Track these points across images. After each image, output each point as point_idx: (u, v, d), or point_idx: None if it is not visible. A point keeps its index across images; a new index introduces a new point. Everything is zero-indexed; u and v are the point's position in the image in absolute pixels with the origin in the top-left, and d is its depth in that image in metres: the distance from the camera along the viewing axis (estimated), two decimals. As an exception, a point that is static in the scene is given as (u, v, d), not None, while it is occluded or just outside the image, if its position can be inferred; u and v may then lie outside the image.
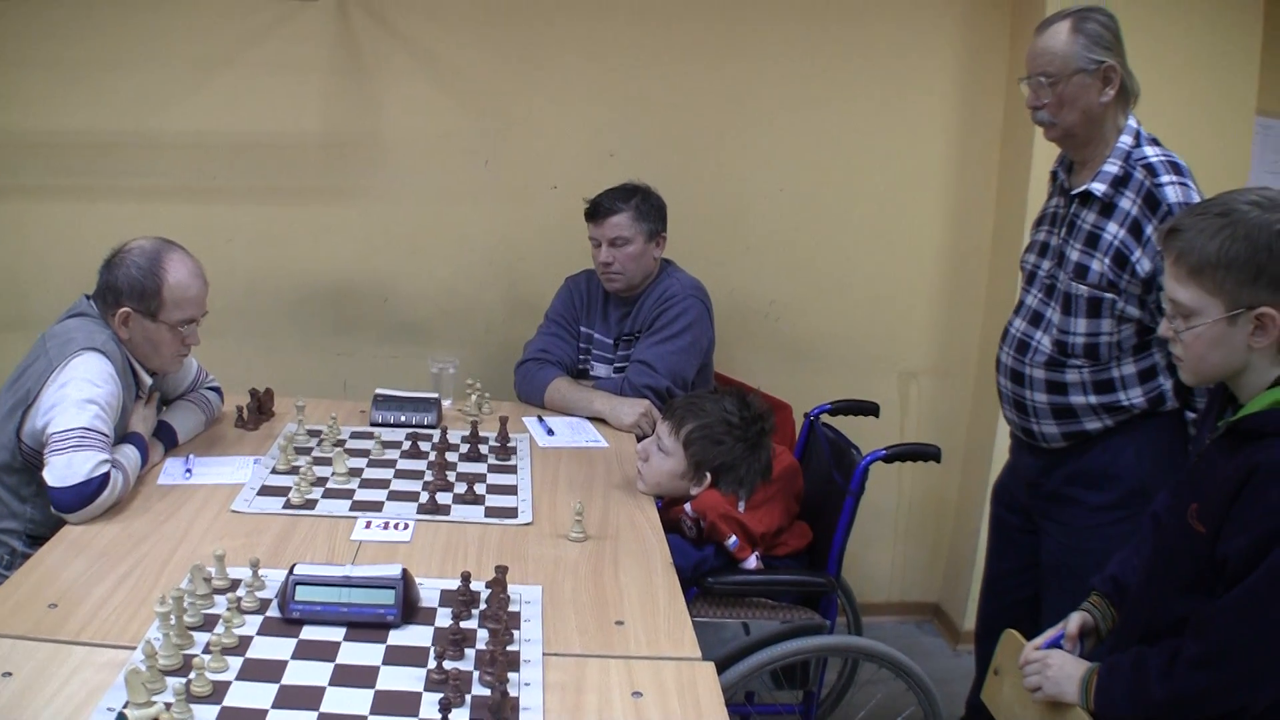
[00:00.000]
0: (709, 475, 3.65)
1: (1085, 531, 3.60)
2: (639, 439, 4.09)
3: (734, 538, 3.57)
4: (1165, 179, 3.29)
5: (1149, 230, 3.28)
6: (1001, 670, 2.94)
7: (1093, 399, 3.48)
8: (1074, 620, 2.88)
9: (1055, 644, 2.83)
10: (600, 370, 4.66)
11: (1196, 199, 3.25)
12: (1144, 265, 3.29)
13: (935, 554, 5.80)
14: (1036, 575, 3.84)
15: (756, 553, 3.64)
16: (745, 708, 4.13)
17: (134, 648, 2.51)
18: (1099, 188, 3.39)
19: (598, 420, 4.38)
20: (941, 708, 3.79)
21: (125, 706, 2.23)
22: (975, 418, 5.51)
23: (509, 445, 3.98)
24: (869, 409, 4.57)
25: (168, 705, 2.23)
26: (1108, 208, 3.39)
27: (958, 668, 5.18)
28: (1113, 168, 3.38)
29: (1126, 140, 3.40)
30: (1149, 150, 3.38)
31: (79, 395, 3.31)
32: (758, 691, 3.80)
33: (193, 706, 2.28)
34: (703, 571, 3.55)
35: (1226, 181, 3.29)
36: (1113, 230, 3.36)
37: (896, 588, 5.84)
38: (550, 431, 4.23)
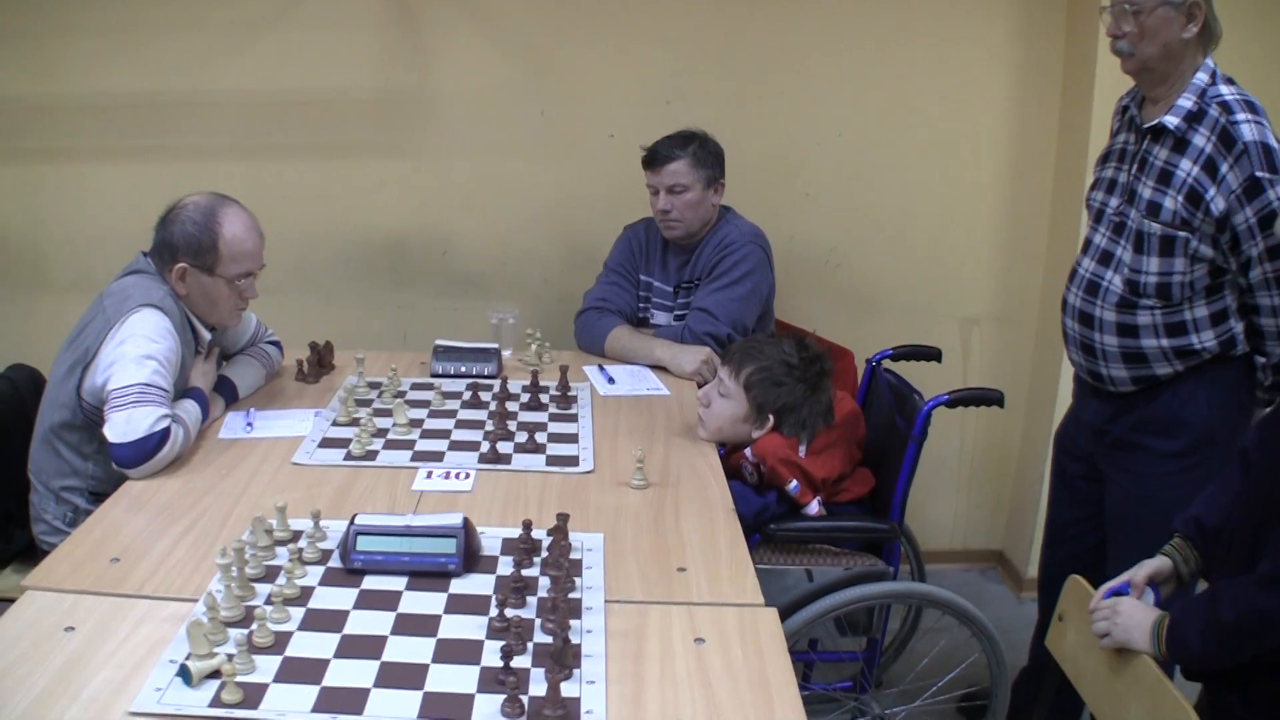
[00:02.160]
0: (771, 418, 3.63)
1: (1153, 479, 3.55)
2: (699, 386, 4.07)
3: (795, 482, 3.56)
4: (1241, 116, 3.22)
5: (1224, 169, 3.21)
6: (1066, 617, 2.91)
7: (1164, 342, 3.42)
8: (1144, 568, 2.83)
9: (1122, 591, 2.79)
10: (660, 318, 4.64)
11: (1272, 138, 3.20)
12: (1218, 204, 3.22)
13: (998, 501, 5.77)
14: (1100, 523, 3.80)
15: (818, 498, 3.63)
16: (809, 655, 4.12)
17: (196, 600, 2.52)
18: (1172, 121, 3.31)
19: (658, 368, 4.36)
20: (1006, 655, 3.77)
21: (187, 658, 2.24)
22: (1038, 363, 5.46)
23: (569, 394, 3.98)
24: (931, 354, 4.53)
25: (230, 656, 2.24)
26: (1180, 143, 3.32)
27: (1021, 615, 5.15)
28: (1187, 102, 3.31)
29: (1202, 78, 3.32)
30: (1224, 89, 3.30)
31: (137, 351, 3.32)
32: (821, 639, 3.78)
33: (254, 657, 2.29)
34: (765, 518, 3.54)
35: (1282, 121, 3.26)
36: (1186, 167, 3.28)
37: (959, 535, 5.82)
38: (611, 380, 4.23)
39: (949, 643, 4.21)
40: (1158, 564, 2.84)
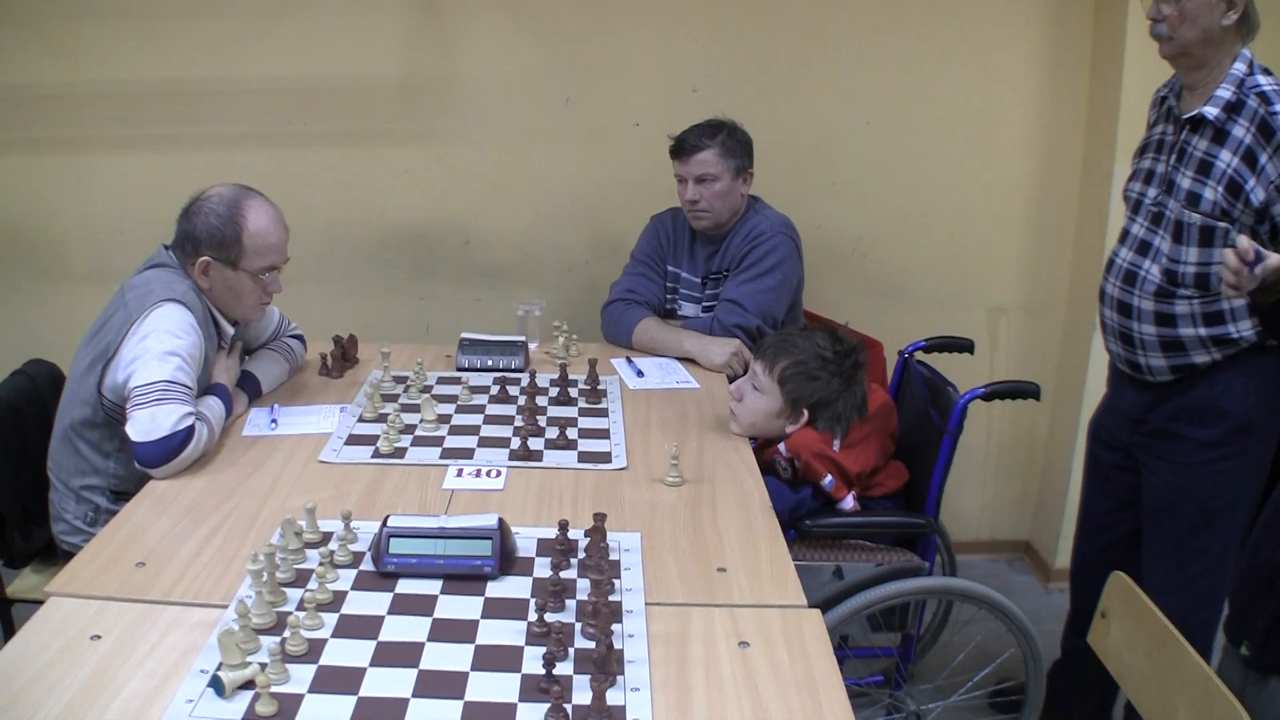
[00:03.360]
0: (805, 412, 3.60)
1: (1191, 469, 3.54)
2: (730, 379, 4.04)
3: (830, 477, 3.54)
4: None
5: (1263, 159, 3.19)
6: (1109, 614, 2.87)
7: (1202, 331, 3.39)
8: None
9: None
10: (688, 309, 4.59)
11: None
12: (1258, 195, 3.21)
13: (1025, 491, 5.74)
14: (1135, 513, 3.79)
15: (853, 492, 3.60)
16: (842, 651, 4.07)
17: (225, 606, 2.46)
18: (1211, 111, 3.29)
19: (687, 361, 4.32)
20: (1041, 650, 3.73)
21: (219, 668, 2.19)
22: (1066, 353, 5.42)
23: (599, 388, 3.93)
24: (964, 345, 4.49)
25: (262, 665, 2.19)
26: (1220, 134, 3.30)
27: (1049, 606, 5.13)
28: (1226, 93, 3.29)
29: (1240, 68, 3.31)
30: (1263, 79, 3.29)
31: (160, 347, 3.26)
32: (853, 635, 3.74)
33: (288, 666, 2.24)
34: (800, 514, 3.50)
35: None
36: (1225, 158, 3.27)
37: (986, 526, 5.79)
38: (640, 373, 4.18)
39: (984, 637, 4.17)
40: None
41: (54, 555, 3.53)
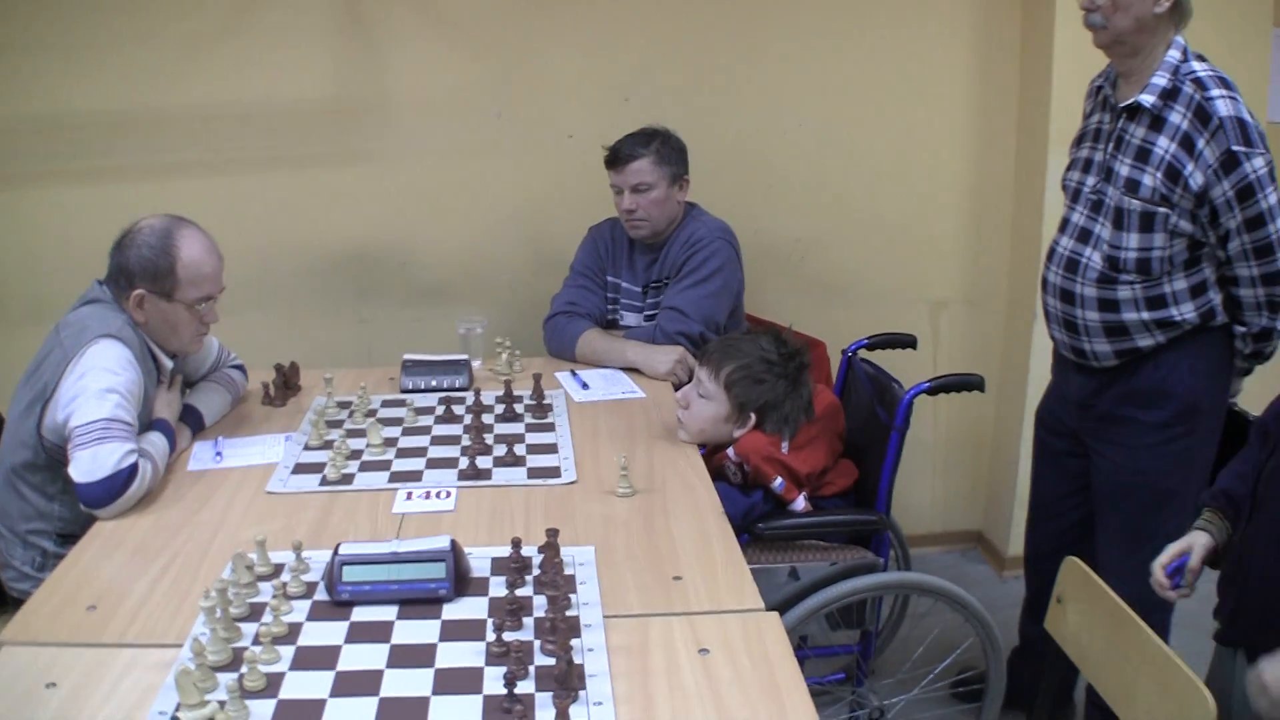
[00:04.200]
0: (753, 416, 3.61)
1: (1141, 451, 3.59)
2: (675, 387, 4.04)
3: (780, 479, 3.55)
4: (1215, 92, 3.25)
5: (1200, 144, 3.24)
6: (1065, 599, 2.90)
7: (1145, 315, 3.44)
8: (1198, 548, 2.86)
9: (1180, 568, 2.85)
10: (630, 319, 4.59)
11: (1246, 113, 3.24)
12: (1196, 179, 3.26)
13: (975, 482, 5.78)
14: (1086, 498, 3.84)
15: (804, 493, 3.62)
16: (802, 651, 4.07)
17: (180, 645, 2.44)
18: (1148, 99, 3.34)
19: (632, 370, 4.32)
20: (1000, 639, 3.74)
21: (178, 709, 2.17)
22: (1008, 343, 5.45)
23: (544, 403, 3.92)
24: (906, 341, 4.51)
25: (221, 704, 2.17)
26: (1157, 121, 3.35)
27: (1006, 594, 5.15)
28: (1161, 80, 3.34)
29: (1174, 55, 3.36)
30: (1197, 65, 3.34)
31: (98, 385, 3.23)
32: (812, 634, 3.74)
33: (248, 702, 2.21)
34: (753, 518, 3.52)
35: (1246, 93, 3.30)
36: (1163, 144, 3.32)
37: (938, 518, 5.82)
38: (585, 385, 4.17)
39: (943, 629, 4.18)
40: (1204, 541, 2.87)
41: (3, 603, 3.48)
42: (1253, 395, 3.69)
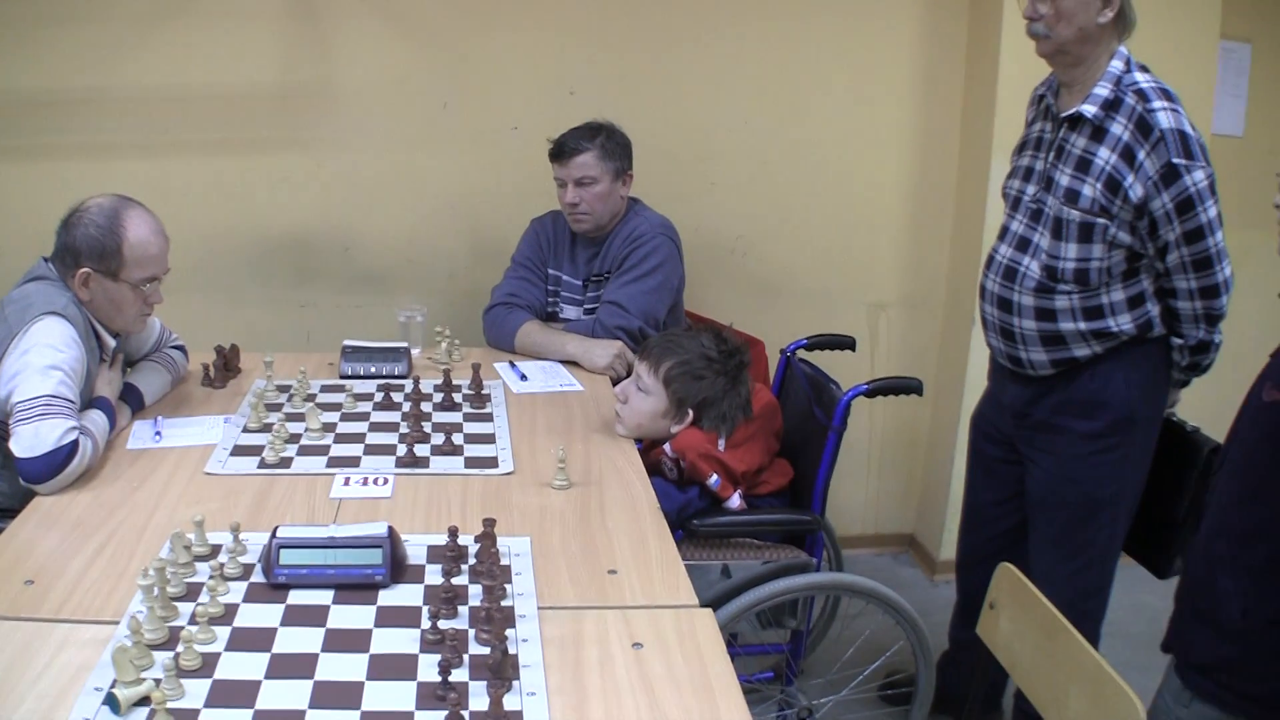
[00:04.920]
0: (690, 412, 3.63)
1: (1075, 461, 3.61)
2: (613, 382, 4.05)
3: (715, 476, 3.57)
4: (1157, 104, 3.27)
5: (1141, 156, 3.26)
6: (998, 605, 2.90)
7: (1082, 325, 3.47)
8: None
9: None
10: (570, 312, 4.61)
11: (1188, 125, 3.26)
12: (1136, 191, 3.27)
13: (909, 485, 5.81)
14: (1019, 505, 3.87)
15: (739, 491, 3.63)
16: (732, 649, 4.08)
17: (117, 622, 2.44)
18: (1090, 110, 3.36)
19: (571, 364, 4.33)
20: (930, 642, 3.77)
21: (114, 685, 2.16)
22: (945, 348, 5.49)
23: (483, 393, 3.93)
24: (845, 343, 4.53)
25: (157, 681, 2.17)
26: (1098, 132, 3.37)
27: (936, 598, 5.19)
28: (1104, 90, 3.36)
29: (1117, 65, 3.38)
30: (1140, 76, 3.36)
31: (42, 362, 3.22)
32: (742, 632, 3.76)
33: (183, 681, 2.22)
34: (688, 514, 3.54)
35: (1192, 105, 3.32)
36: (1104, 155, 3.33)
37: (871, 520, 5.85)
38: (523, 377, 4.19)
39: (874, 631, 4.21)
40: None
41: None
42: (1189, 406, 3.74)
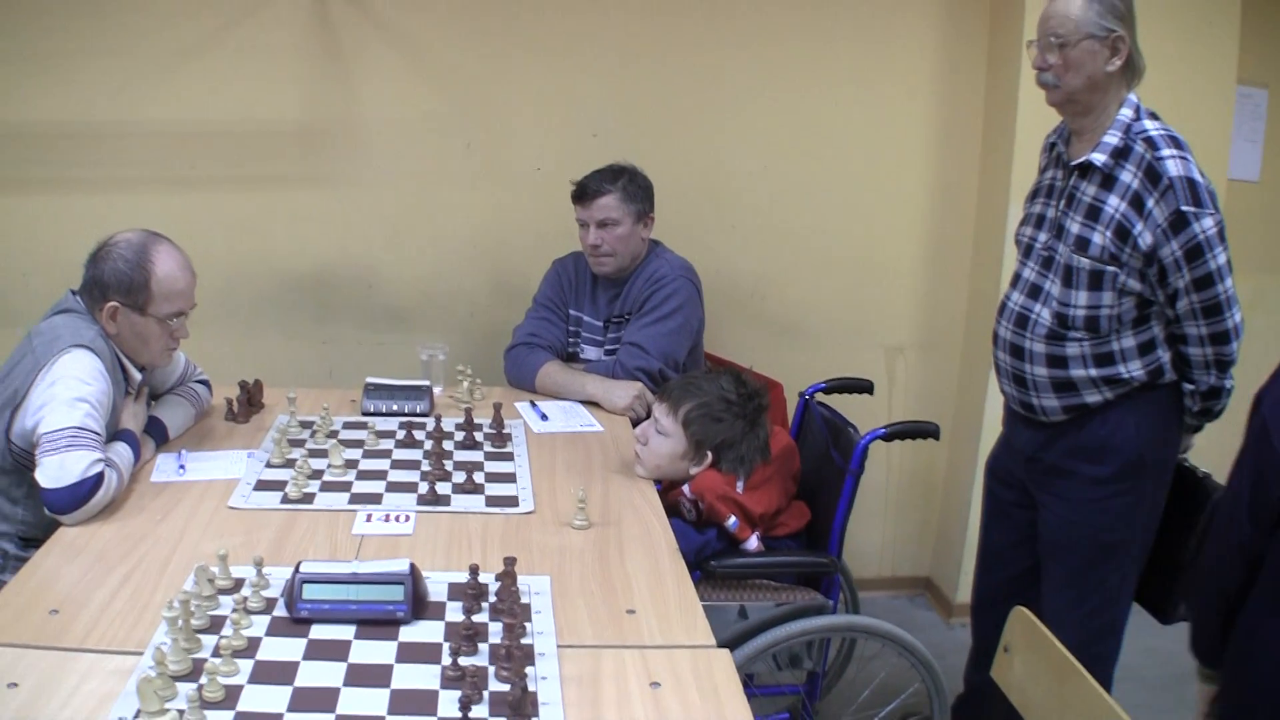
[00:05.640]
0: (709, 454, 3.64)
1: (1085, 505, 3.61)
2: (633, 423, 4.07)
3: (734, 518, 3.57)
4: (1166, 152, 3.29)
5: (1150, 204, 3.28)
6: (1012, 648, 2.91)
7: (1093, 371, 3.48)
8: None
9: None
10: (590, 353, 4.63)
11: (1196, 173, 3.27)
12: (1145, 239, 3.29)
13: (925, 528, 5.81)
14: (1033, 549, 3.86)
15: (757, 533, 3.64)
16: (749, 689, 4.09)
17: (140, 653, 2.47)
18: (1099, 158, 3.38)
19: (591, 404, 4.35)
20: (945, 685, 3.78)
21: (137, 715, 2.20)
22: (963, 391, 5.50)
23: (504, 432, 3.95)
24: (863, 386, 4.55)
25: (180, 712, 2.20)
26: (1108, 180, 3.38)
27: (951, 640, 5.20)
28: (1113, 139, 3.38)
29: (1127, 113, 3.39)
30: (1149, 124, 3.38)
31: (69, 394, 3.25)
32: (759, 673, 3.78)
33: (206, 713, 2.24)
34: (705, 555, 3.54)
35: (1208, 151, 3.33)
36: (1114, 203, 3.35)
37: (887, 562, 5.86)
38: (544, 416, 4.20)
39: (889, 673, 4.22)
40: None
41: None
42: (1202, 451, 3.75)
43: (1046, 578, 3.79)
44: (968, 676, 4.24)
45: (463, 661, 2.44)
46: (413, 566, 2.69)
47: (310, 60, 4.90)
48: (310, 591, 2.63)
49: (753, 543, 3.62)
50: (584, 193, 4.45)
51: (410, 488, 3.50)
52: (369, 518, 3.27)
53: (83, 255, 3.54)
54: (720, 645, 2.65)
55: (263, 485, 3.47)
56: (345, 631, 2.60)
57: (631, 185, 4.45)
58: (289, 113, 4.95)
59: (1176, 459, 3.67)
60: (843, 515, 3.84)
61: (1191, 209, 3.23)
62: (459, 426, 3.97)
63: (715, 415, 3.63)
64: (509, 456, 3.81)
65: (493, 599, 2.74)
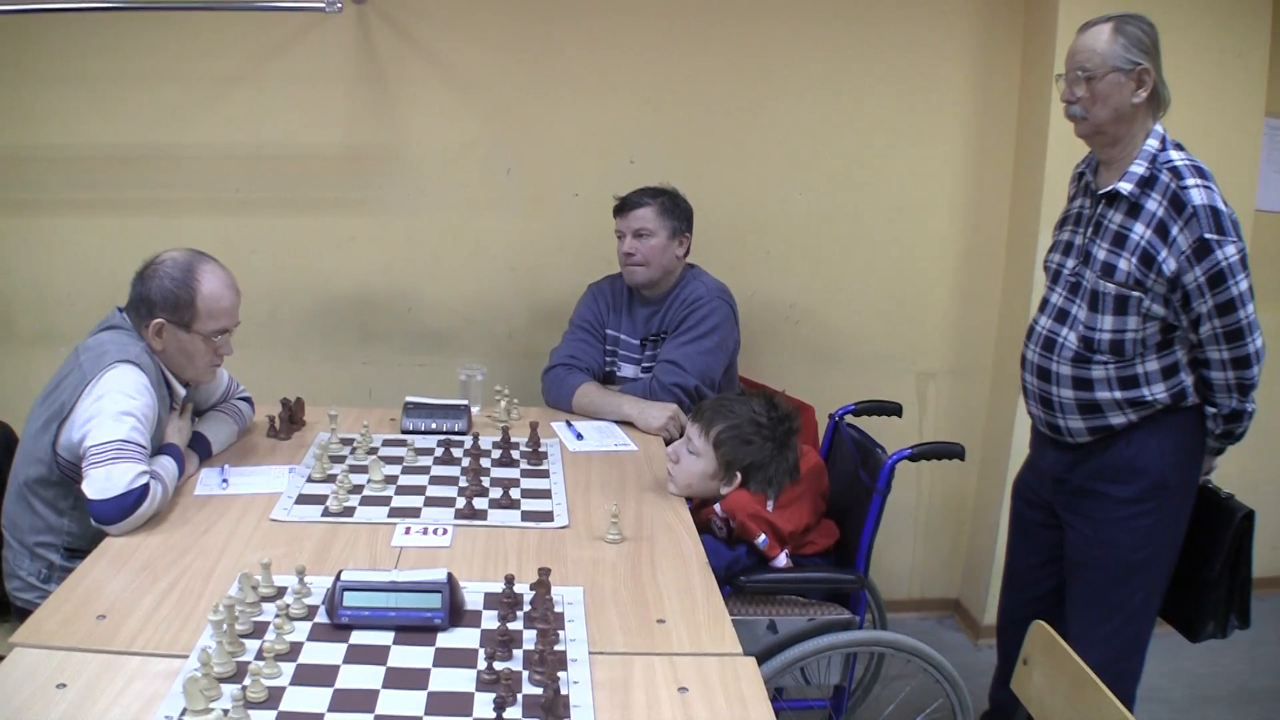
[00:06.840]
0: (739, 475, 3.69)
1: (1110, 525, 3.66)
2: (666, 442, 4.13)
3: (764, 536, 3.61)
4: (1190, 181, 3.34)
5: (1174, 231, 3.33)
6: (1031, 661, 2.95)
7: (1118, 394, 3.53)
8: None
9: None
10: (627, 370, 4.70)
11: (1220, 201, 3.32)
12: (1169, 265, 3.34)
13: (955, 550, 5.83)
14: (1058, 569, 3.90)
15: (786, 551, 3.68)
16: (777, 703, 4.15)
17: (185, 657, 2.53)
18: (1126, 187, 3.44)
19: (626, 424, 4.41)
20: (970, 700, 3.82)
21: (183, 714, 2.27)
22: (992, 416, 5.54)
23: (540, 450, 4.01)
24: (892, 409, 4.60)
25: (225, 712, 2.27)
26: (1134, 208, 3.44)
27: (979, 662, 5.21)
28: (1139, 169, 3.44)
29: (1153, 144, 3.45)
30: (1174, 154, 3.43)
31: (115, 408, 3.32)
32: (787, 688, 3.82)
33: (250, 712, 2.31)
34: (736, 571, 3.59)
35: (1236, 182, 3.37)
36: (1139, 231, 3.41)
37: (917, 584, 5.88)
38: (579, 436, 4.26)
39: (913, 689, 4.25)
40: None
41: (7, 612, 3.55)
42: (1225, 474, 3.80)
43: (1070, 596, 3.83)
44: (993, 694, 4.27)
45: (497, 666, 2.50)
46: (450, 575, 2.76)
47: (354, 87, 4.98)
48: (351, 599, 2.69)
49: (782, 560, 3.67)
50: (624, 204, 4.56)
51: (448, 503, 3.56)
52: (408, 530, 3.33)
53: (129, 276, 3.62)
54: (753, 657, 2.70)
55: (304, 499, 3.54)
56: (384, 637, 2.67)
57: (670, 203, 4.55)
58: (334, 138, 5.03)
59: (1200, 480, 3.72)
60: (870, 533, 3.89)
61: (1214, 236, 3.28)
62: (496, 445, 4.03)
63: (745, 437, 3.68)
64: (545, 474, 3.87)
65: (527, 608, 2.81)
